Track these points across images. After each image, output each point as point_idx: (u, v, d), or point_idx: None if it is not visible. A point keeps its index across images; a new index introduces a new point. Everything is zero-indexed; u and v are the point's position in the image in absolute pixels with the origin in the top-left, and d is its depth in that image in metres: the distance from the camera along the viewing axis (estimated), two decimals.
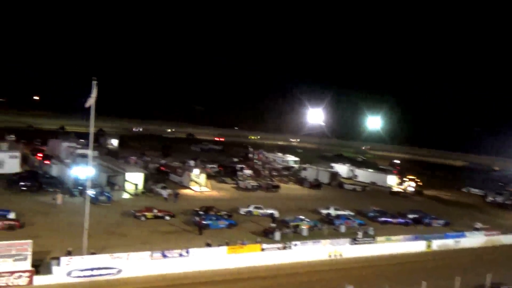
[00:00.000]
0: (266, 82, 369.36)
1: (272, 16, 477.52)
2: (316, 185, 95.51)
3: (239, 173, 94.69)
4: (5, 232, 44.86)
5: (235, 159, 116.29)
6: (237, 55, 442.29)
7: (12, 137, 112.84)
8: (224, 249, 45.24)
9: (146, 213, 56.56)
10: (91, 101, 39.47)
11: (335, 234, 57.85)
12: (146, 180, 73.06)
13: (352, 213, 69.76)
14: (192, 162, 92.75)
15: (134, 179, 71.45)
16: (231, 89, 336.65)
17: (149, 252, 41.35)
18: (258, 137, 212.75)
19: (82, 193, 61.03)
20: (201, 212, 59.24)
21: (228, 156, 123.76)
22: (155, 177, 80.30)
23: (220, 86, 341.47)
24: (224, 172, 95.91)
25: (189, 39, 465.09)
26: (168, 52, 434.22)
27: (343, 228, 61.16)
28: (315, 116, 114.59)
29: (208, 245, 45.92)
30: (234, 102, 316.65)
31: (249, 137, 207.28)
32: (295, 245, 49.56)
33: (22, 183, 64.38)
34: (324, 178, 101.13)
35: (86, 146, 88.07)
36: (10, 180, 66.55)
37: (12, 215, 49.37)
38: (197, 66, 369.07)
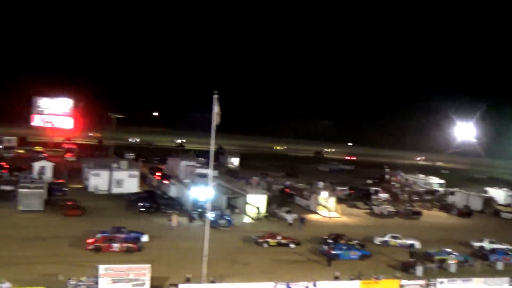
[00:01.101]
0: (403, 93, 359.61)
1: (410, 21, 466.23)
2: (466, 212, 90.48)
3: (374, 197, 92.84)
4: (124, 255, 48.08)
5: (369, 181, 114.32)
6: (370, 62, 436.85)
7: (131, 155, 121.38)
8: (356, 283, 44.38)
9: (269, 240, 57.35)
10: (215, 117, 40.72)
11: (490, 272, 54.22)
12: (269, 203, 74.28)
13: (511, 247, 65.00)
14: (320, 184, 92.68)
15: (256, 202, 72.89)
16: (363, 101, 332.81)
17: (272, 284, 41.77)
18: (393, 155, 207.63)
19: (201, 216, 63.62)
20: (330, 241, 58.77)
21: (360, 178, 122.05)
22: (278, 200, 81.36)
23: (351, 97, 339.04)
24: (356, 195, 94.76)
25: (313, 49, 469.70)
26: (287, 64, 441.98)
27: (500, 265, 57.18)
28: (465, 131, 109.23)
29: (338, 278, 45.33)
30: (366, 116, 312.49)
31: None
32: (441, 282, 47.21)
33: (141, 204, 68.74)
34: (476, 204, 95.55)
35: (205, 165, 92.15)
36: (129, 200, 71.55)
37: (145, 238, 53.08)
38: (321, 76, 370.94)
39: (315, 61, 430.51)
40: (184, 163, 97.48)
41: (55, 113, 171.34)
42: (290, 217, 70.05)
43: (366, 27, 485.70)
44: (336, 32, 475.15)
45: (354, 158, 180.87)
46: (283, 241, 57.65)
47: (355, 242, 59.53)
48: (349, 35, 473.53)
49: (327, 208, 78.85)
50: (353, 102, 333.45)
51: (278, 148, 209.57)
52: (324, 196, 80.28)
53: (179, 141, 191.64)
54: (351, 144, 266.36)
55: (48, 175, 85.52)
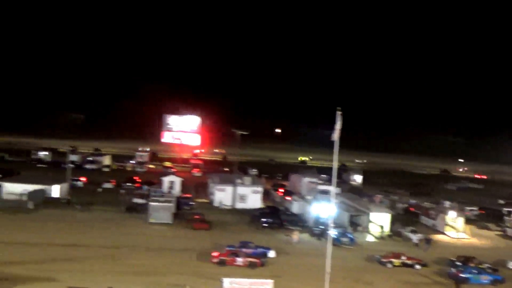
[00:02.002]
0: None
1: None
2: None
3: (506, 218, 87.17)
4: (247, 270, 48.93)
5: (501, 201, 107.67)
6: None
7: (255, 171, 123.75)
8: None
9: (393, 260, 55.71)
10: (336, 134, 40.61)
11: None
12: (393, 222, 72.33)
13: None
14: (447, 203, 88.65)
15: (380, 220, 71.33)
16: (500, 114, 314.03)
17: None
18: None
19: (323, 233, 63.28)
20: (458, 263, 55.95)
21: (491, 197, 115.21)
22: (403, 219, 78.98)
23: (484, 109, 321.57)
24: (486, 216, 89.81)
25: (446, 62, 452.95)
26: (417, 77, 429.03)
27: None
28: None
29: None
30: (500, 131, 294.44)
31: None
32: None
33: (264, 220, 69.72)
34: None
35: (328, 182, 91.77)
36: (253, 216, 72.92)
37: (272, 254, 53.93)
38: (452, 87, 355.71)
39: (443, 73, 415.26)
40: (306, 179, 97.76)
41: (183, 130, 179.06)
42: (415, 237, 67.65)
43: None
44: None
45: (485, 177, 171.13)
46: (408, 261, 55.70)
47: (486, 265, 56.15)
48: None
49: (455, 229, 75.21)
50: (486, 115, 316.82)
51: (401, 163, 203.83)
52: (452, 216, 76.70)
53: (304, 158, 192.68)
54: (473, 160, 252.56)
55: (177, 189, 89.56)
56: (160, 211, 67.54)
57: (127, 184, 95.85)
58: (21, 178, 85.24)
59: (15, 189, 76.00)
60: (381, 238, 68.85)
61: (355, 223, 71.09)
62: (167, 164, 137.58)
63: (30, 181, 79.03)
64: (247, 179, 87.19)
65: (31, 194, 73.23)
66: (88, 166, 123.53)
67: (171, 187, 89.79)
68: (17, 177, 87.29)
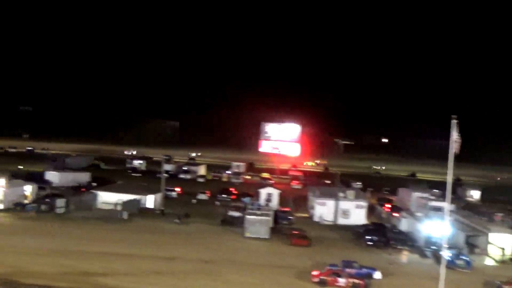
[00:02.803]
0: None
1: None
2: None
3: None
4: None
5: None
6: None
7: (359, 184, 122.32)
8: None
9: None
10: (454, 145, 39.39)
11: None
12: None
13: None
14: None
15: (501, 242, 68.15)
16: None
17: None
18: None
19: (435, 254, 61.42)
20: None
21: None
22: None
23: None
24: None
25: None
26: None
27: None
28: None
29: None
30: None
31: None
32: None
33: (368, 237, 68.72)
34: None
35: (440, 197, 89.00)
36: (356, 233, 72.10)
37: (378, 275, 53.28)
38: None
39: None
40: (416, 194, 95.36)
41: (282, 139, 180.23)
42: None
43: None
44: None
45: None
46: None
47: None
48: None
49: None
50: None
51: None
52: None
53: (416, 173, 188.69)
54: None
55: (275, 202, 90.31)
56: (257, 225, 68.36)
57: (223, 195, 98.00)
58: (116, 187, 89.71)
59: (110, 198, 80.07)
60: (502, 262, 65.77)
61: (472, 244, 68.37)
62: (265, 175, 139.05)
63: (124, 191, 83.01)
64: (350, 193, 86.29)
65: (126, 204, 76.75)
66: (182, 176, 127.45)
67: (268, 199, 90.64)
68: (112, 186, 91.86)
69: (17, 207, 75.29)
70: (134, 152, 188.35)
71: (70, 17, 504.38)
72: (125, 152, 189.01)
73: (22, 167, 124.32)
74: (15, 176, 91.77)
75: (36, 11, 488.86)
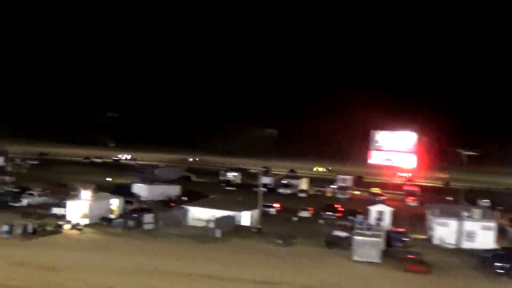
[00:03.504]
0: None
1: None
2: None
3: None
4: None
5: None
6: None
7: (486, 202, 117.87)
8: None
9: None
10: None
11: None
12: None
13: None
14: None
15: None
16: None
17: None
18: None
19: None
20: None
21: None
22: None
23: None
24: None
25: None
26: None
27: None
28: None
29: None
30: None
31: None
32: None
33: (498, 264, 65.92)
34: None
35: None
36: (483, 259, 69.35)
37: None
38: None
39: None
40: None
41: (395, 149, 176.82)
42: None
43: None
44: None
45: None
46: None
47: None
48: None
49: None
50: None
51: None
52: None
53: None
54: None
55: (387, 221, 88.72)
56: (366, 247, 67.36)
57: (327, 213, 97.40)
58: (208, 202, 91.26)
59: (201, 214, 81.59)
60: None
61: None
62: (375, 190, 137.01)
63: (218, 206, 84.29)
64: (477, 212, 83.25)
65: (219, 221, 77.81)
66: (282, 190, 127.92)
67: (379, 218, 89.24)
68: (204, 201, 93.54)
69: (103, 222, 78.37)
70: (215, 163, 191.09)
71: (160, 20, 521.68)
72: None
73: (110, 179, 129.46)
74: (101, 189, 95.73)
75: (120, 13, 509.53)
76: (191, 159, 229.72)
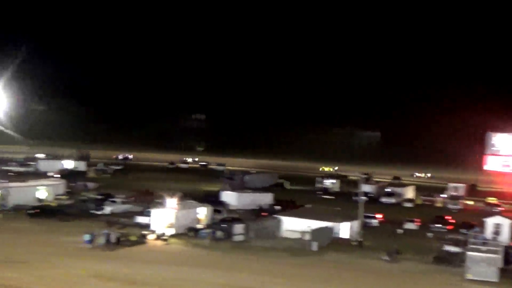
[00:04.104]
0: None
1: None
2: None
3: None
4: None
5: None
6: None
7: None
8: None
9: None
10: None
11: None
12: None
13: None
14: None
15: None
16: None
17: None
18: None
19: None
20: None
21: None
22: None
23: None
24: None
25: None
26: None
27: None
28: None
29: None
30: None
31: None
32: None
33: None
34: None
35: None
36: None
37: None
38: None
39: None
40: None
41: None
42: None
43: None
44: None
45: None
46: None
47: None
48: None
49: None
50: None
51: None
52: None
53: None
54: None
55: (505, 235, 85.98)
56: (482, 264, 65.40)
57: (437, 225, 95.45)
58: (303, 212, 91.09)
59: (296, 225, 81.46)
60: None
61: None
62: (491, 200, 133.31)
63: (314, 217, 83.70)
64: None
65: (316, 233, 77.27)
66: (385, 199, 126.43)
67: (496, 232, 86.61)
68: (299, 210, 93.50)
69: (189, 233, 79.40)
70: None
71: (252, 19, 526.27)
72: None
73: (200, 187, 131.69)
74: (187, 197, 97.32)
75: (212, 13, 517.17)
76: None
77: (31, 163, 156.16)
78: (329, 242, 78.50)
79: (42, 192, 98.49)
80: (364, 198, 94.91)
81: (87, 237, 69.39)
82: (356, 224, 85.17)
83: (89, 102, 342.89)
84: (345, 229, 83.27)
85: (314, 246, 74.79)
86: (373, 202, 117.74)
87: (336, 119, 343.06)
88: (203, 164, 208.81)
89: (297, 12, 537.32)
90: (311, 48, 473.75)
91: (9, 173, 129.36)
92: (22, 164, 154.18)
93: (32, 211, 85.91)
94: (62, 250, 66.26)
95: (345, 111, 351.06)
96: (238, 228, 78.52)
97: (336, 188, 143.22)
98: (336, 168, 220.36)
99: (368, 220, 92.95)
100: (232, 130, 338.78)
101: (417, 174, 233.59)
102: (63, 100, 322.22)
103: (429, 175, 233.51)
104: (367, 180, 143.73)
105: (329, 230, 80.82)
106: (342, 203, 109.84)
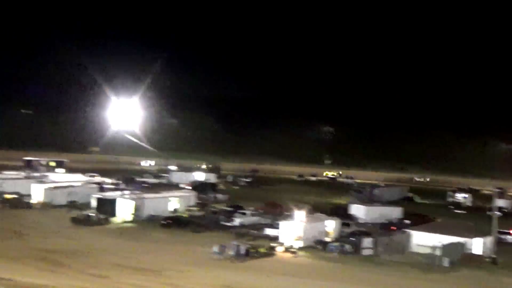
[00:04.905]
0: None
1: None
2: None
3: None
4: None
5: None
6: None
7: None
8: None
9: None
10: None
11: None
12: None
13: None
14: None
15: None
16: None
17: None
18: None
19: None
20: None
21: None
22: None
23: None
24: None
25: None
26: None
27: None
28: None
29: None
30: None
31: None
32: None
33: None
34: None
35: None
36: None
37: None
38: None
39: None
40: None
41: None
42: None
43: None
44: None
45: None
46: None
47: None
48: None
49: None
50: None
51: None
52: None
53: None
54: None
55: None
56: None
57: None
58: (434, 226, 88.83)
59: (426, 240, 79.51)
60: None
61: None
62: None
63: (445, 232, 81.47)
64: None
65: (447, 248, 75.10)
66: None
67: None
68: (429, 225, 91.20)
69: (317, 246, 79.15)
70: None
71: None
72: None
73: (328, 200, 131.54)
74: (316, 209, 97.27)
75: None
76: (418, 179, 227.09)
77: (164, 174, 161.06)
78: (461, 258, 75.94)
79: (174, 203, 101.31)
80: (498, 213, 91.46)
81: (216, 248, 70.52)
82: (489, 240, 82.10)
83: (219, 115, 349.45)
84: (478, 245, 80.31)
85: (446, 262, 72.69)
86: (508, 217, 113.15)
87: (469, 129, 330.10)
88: (332, 177, 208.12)
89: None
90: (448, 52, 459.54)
91: (143, 185, 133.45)
92: (155, 175, 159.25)
93: (165, 222, 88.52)
94: (193, 260, 67.60)
95: (480, 120, 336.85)
96: (367, 242, 77.58)
97: (469, 202, 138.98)
98: (341, 172, 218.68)
99: (502, 236, 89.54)
100: (361, 142, 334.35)
101: (417, 179, 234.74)
102: (194, 114, 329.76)
103: (428, 179, 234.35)
104: (501, 195, 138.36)
105: (461, 245, 78.31)
106: (475, 218, 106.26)
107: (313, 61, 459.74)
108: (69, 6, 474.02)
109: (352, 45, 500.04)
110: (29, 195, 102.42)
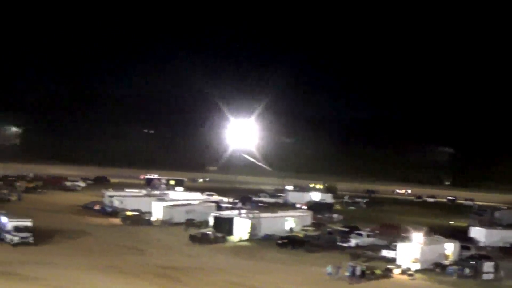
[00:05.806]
0: None
1: None
2: None
3: None
4: None
5: None
6: None
7: None
8: None
9: None
10: None
11: None
12: None
13: None
14: None
15: None
16: None
17: None
18: None
19: None
20: None
21: None
22: None
23: None
24: None
25: None
26: None
27: None
28: None
29: None
30: None
31: None
32: None
33: None
34: None
35: None
36: None
37: None
38: None
39: None
40: None
41: None
42: None
43: None
44: None
45: None
46: None
47: None
48: None
49: None
50: None
51: None
52: None
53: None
54: None
55: None
56: None
57: None
58: None
59: None
60: None
61: None
62: None
63: None
64: None
65: None
66: None
67: None
68: None
69: (436, 268, 77.07)
70: None
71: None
72: None
73: (447, 222, 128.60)
74: (434, 231, 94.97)
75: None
76: None
77: (281, 194, 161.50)
78: None
79: (290, 223, 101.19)
80: None
81: (329, 268, 69.76)
82: None
83: (336, 135, 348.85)
84: None
85: None
86: None
87: None
88: (451, 199, 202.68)
89: None
90: None
91: (260, 204, 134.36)
92: (272, 195, 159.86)
93: (281, 241, 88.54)
94: (308, 280, 67.50)
95: None
96: (488, 266, 74.89)
97: None
98: (326, 184, 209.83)
99: None
100: (482, 164, 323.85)
101: (398, 191, 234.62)
102: (311, 134, 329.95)
103: (409, 191, 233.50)
104: None
105: None
106: None
107: (427, 85, 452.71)
108: (193, 31, 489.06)
109: (474, 72, 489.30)
110: (149, 213, 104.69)
